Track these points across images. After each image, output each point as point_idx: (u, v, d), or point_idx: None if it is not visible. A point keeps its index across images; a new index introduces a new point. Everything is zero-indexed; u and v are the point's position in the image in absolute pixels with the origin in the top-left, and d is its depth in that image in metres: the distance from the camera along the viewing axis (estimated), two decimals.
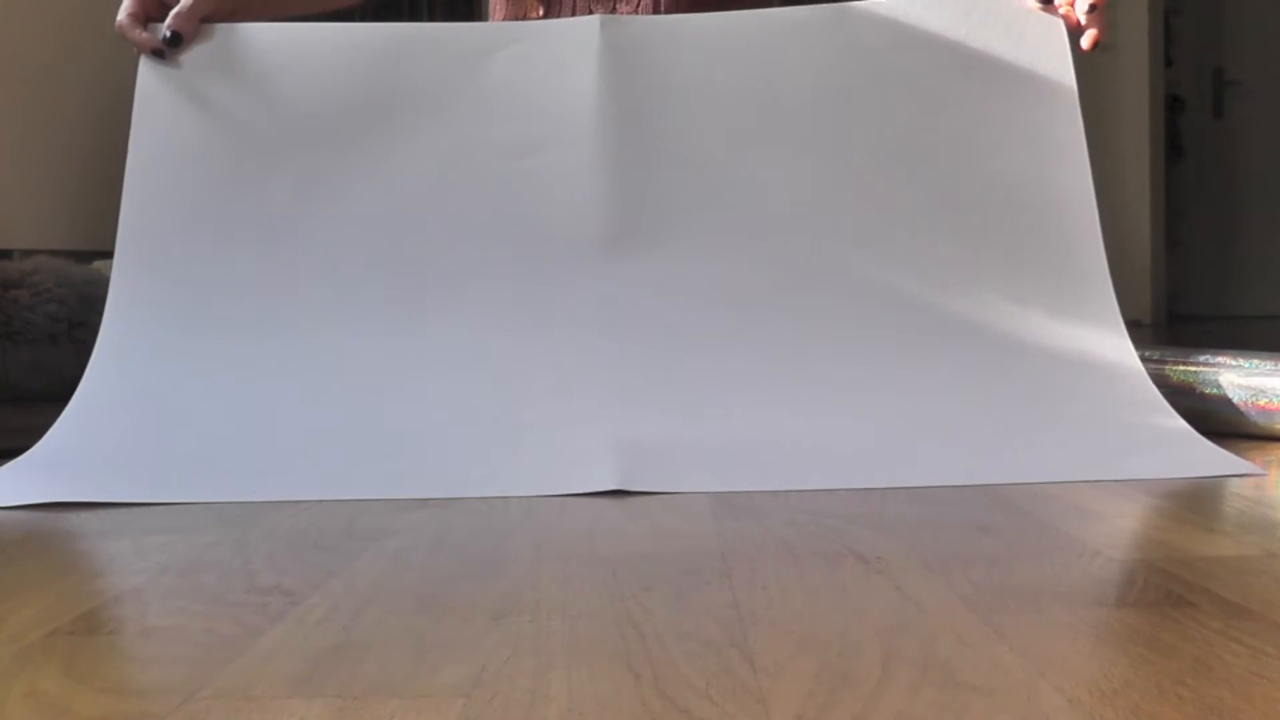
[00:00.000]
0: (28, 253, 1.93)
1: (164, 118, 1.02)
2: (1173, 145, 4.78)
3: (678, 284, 0.96)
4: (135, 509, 0.74)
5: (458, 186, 1.00)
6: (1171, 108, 4.73)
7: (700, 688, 0.38)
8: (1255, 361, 0.96)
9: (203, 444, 0.87)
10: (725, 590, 0.51)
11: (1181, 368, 0.99)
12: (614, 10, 1.21)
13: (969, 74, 1.00)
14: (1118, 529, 0.63)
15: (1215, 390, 0.96)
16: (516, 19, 1.26)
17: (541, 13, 1.25)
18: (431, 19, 4.14)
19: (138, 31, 1.04)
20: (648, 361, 0.93)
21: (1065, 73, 1.00)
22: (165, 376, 0.94)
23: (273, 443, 0.87)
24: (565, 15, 1.22)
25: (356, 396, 0.92)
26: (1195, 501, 0.70)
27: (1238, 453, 0.84)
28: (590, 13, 1.22)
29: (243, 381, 0.93)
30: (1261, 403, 0.94)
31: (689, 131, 1.00)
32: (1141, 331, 3.43)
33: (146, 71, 1.04)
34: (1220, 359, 0.97)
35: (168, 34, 1.04)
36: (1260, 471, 0.78)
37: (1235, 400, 0.95)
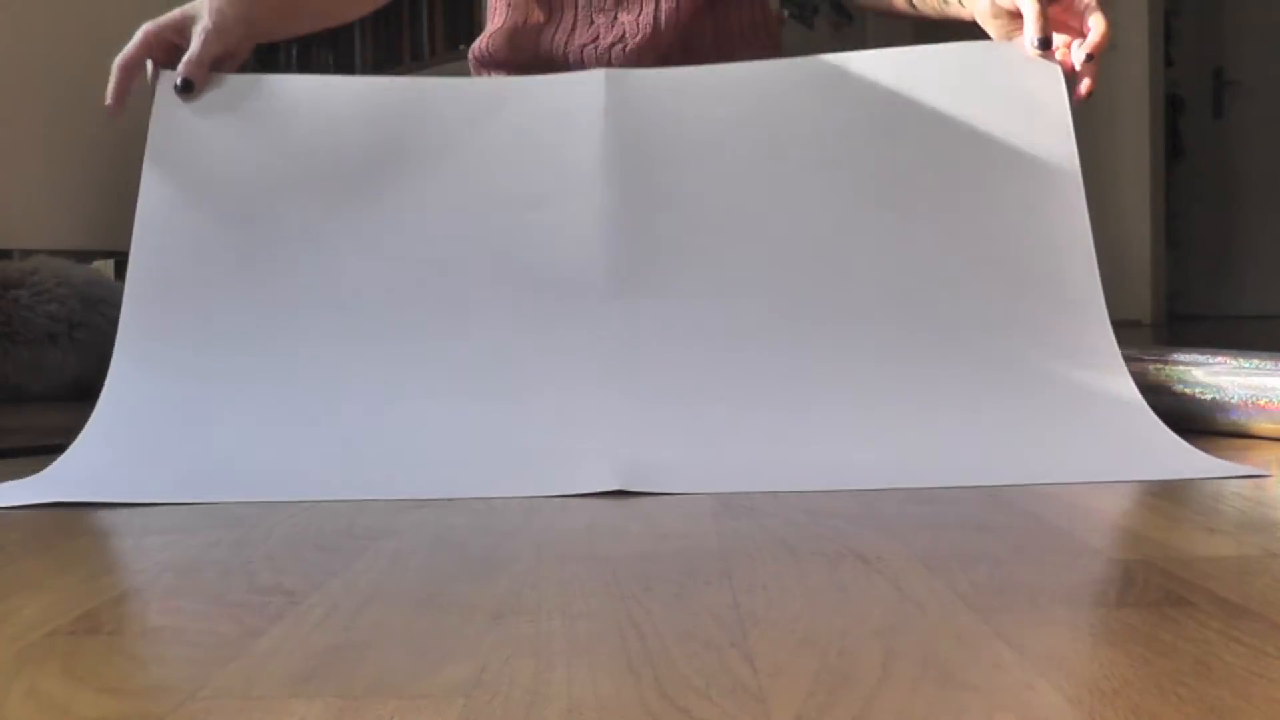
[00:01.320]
0: (28, 253, 1.93)
1: (176, 161, 1.04)
2: (1173, 145, 4.78)
3: (680, 321, 0.97)
4: (135, 509, 0.75)
5: (463, 235, 1.01)
6: (1171, 108, 4.73)
7: (700, 688, 0.38)
8: (1255, 361, 0.96)
9: (209, 448, 0.88)
10: (725, 590, 0.51)
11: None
12: (615, 18, 1.22)
13: (967, 119, 1.02)
14: (1118, 529, 0.64)
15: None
16: (516, 25, 1.26)
17: (542, 18, 1.25)
18: (431, 20, 4.14)
19: (113, 82, 1.05)
20: (651, 374, 0.94)
21: (1063, 117, 1.01)
22: (175, 393, 0.95)
23: (275, 447, 0.88)
24: (567, 21, 1.23)
25: (360, 407, 0.93)
26: (1195, 501, 0.70)
27: (1238, 452, 0.84)
28: (592, 21, 1.22)
29: (248, 394, 0.94)
30: (1262, 402, 0.95)
31: (692, 182, 1.01)
32: (1141, 331, 3.44)
33: (159, 116, 1.05)
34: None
35: (179, 81, 1.05)
36: (1262, 472, 0.78)
37: (1235, 400, 0.96)
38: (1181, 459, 0.82)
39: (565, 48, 1.22)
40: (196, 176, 1.03)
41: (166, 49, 1.07)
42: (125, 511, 0.74)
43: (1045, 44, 1.01)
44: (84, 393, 1.66)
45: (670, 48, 1.23)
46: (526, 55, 1.26)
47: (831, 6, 4.01)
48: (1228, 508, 0.68)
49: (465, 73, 1.37)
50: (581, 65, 1.22)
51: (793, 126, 1.03)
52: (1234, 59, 4.93)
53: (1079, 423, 0.89)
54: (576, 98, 1.05)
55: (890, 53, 1.05)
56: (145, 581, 0.56)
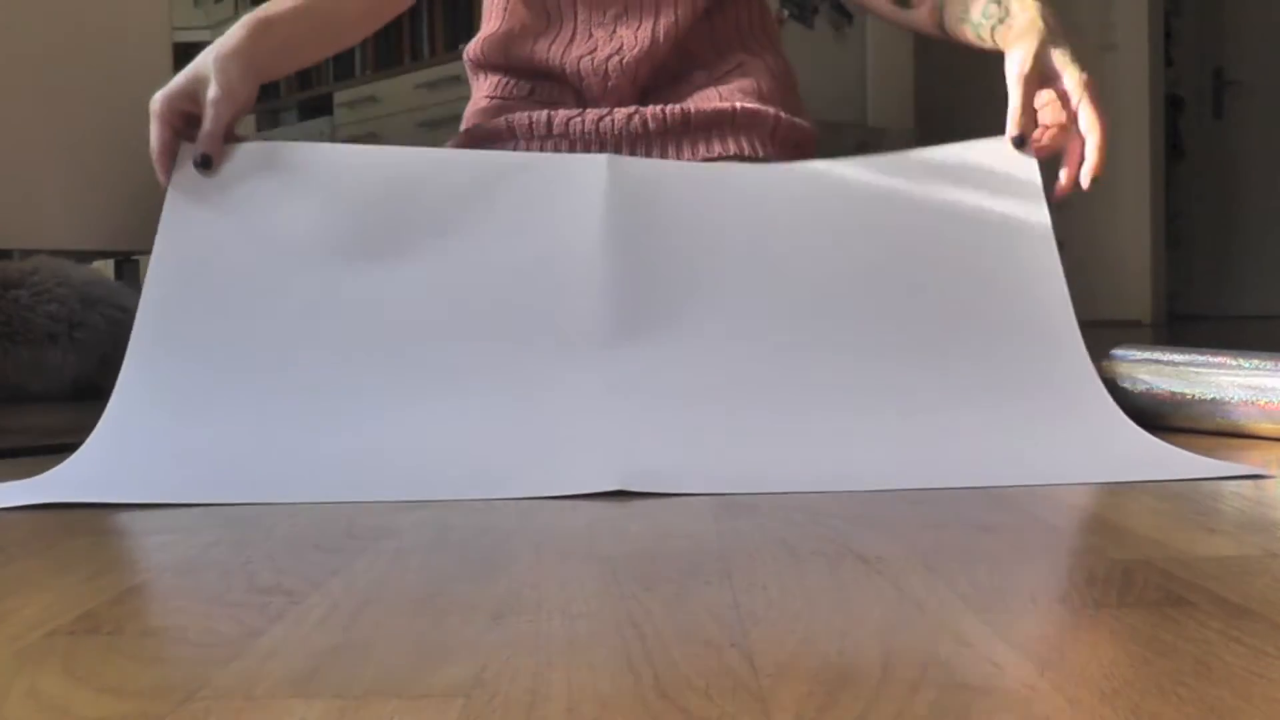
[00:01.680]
0: (28, 253, 1.93)
1: (191, 224, 1.05)
2: (1173, 145, 4.78)
3: (683, 341, 0.99)
4: (136, 509, 0.75)
5: (466, 289, 1.03)
6: (1171, 108, 4.73)
7: (700, 688, 0.38)
8: (1255, 362, 0.96)
9: (211, 452, 0.89)
10: (725, 590, 0.51)
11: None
12: (614, 31, 1.22)
13: (948, 208, 1.07)
14: (1118, 529, 0.64)
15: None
16: (511, 30, 1.26)
17: (540, 26, 1.25)
18: (430, 20, 4.14)
19: (162, 175, 1.07)
20: (652, 375, 0.96)
21: (1039, 209, 1.05)
22: (179, 403, 0.96)
23: (276, 450, 0.89)
24: (565, 32, 1.23)
25: (361, 410, 0.94)
26: (1195, 501, 0.70)
27: (1237, 452, 0.84)
28: (590, 34, 1.22)
29: (251, 402, 0.95)
30: (1262, 402, 0.95)
31: (689, 254, 1.05)
32: (1141, 331, 3.43)
33: (176, 181, 1.07)
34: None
35: (198, 157, 1.06)
36: (1261, 472, 0.78)
37: (1236, 400, 0.96)
38: (1178, 462, 0.82)
39: (562, 58, 1.22)
40: (211, 238, 1.05)
41: (182, 118, 1.08)
42: (125, 511, 0.74)
43: (1019, 142, 1.05)
44: (84, 393, 1.66)
45: (667, 57, 1.23)
46: (521, 62, 1.26)
47: (831, 6, 4.01)
48: (1228, 508, 0.68)
49: (464, 72, 1.37)
50: (578, 76, 1.22)
51: (787, 214, 1.08)
52: (1234, 59, 4.93)
53: (1077, 430, 0.90)
54: (580, 175, 1.08)
55: (881, 158, 1.12)
56: (145, 581, 0.56)
